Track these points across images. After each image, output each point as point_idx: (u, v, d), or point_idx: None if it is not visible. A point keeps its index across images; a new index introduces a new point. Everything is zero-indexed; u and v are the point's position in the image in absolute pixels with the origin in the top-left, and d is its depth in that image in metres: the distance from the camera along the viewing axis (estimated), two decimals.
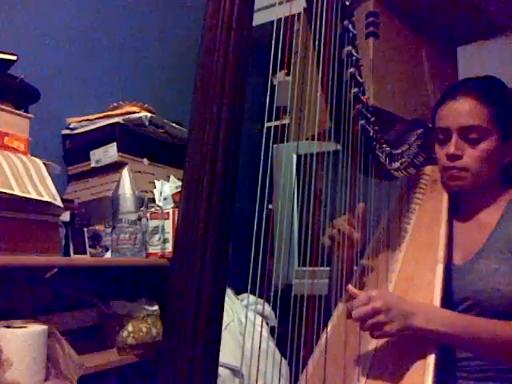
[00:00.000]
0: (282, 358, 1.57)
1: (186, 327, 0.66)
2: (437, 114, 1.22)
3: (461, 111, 1.16)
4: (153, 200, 1.70)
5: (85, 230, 1.47)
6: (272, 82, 1.88)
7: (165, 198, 1.70)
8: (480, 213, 1.21)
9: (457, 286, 1.13)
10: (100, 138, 1.68)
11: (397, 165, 1.24)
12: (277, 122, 1.23)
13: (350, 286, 1.04)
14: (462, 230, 1.23)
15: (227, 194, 0.66)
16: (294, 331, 0.97)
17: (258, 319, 1.68)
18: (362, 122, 1.13)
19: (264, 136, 0.87)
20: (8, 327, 1.15)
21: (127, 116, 1.67)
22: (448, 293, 1.11)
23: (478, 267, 1.12)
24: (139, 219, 1.53)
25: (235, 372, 1.58)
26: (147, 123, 1.69)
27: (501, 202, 1.19)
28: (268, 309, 1.76)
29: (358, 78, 1.08)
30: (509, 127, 1.17)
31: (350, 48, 1.05)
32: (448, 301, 1.10)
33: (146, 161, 1.75)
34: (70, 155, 1.75)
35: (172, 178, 1.79)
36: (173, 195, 1.69)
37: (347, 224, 1.18)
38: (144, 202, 1.58)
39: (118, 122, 1.66)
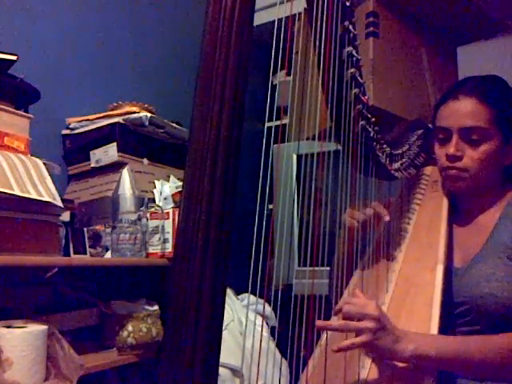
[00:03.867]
0: (283, 358, 1.57)
1: (186, 327, 0.66)
2: (438, 113, 1.21)
3: (462, 112, 1.15)
4: (153, 200, 1.70)
5: (85, 229, 1.47)
6: (272, 81, 1.88)
7: (165, 198, 1.70)
8: (479, 215, 1.20)
9: (455, 288, 1.13)
10: (100, 137, 1.68)
11: (397, 165, 1.24)
12: (277, 122, 1.23)
13: (356, 290, 1.03)
14: (462, 232, 1.22)
15: (228, 193, 0.66)
16: (295, 331, 0.97)
17: (259, 319, 1.68)
18: (363, 122, 1.12)
19: (264, 136, 0.87)
20: (8, 327, 1.15)
21: (127, 116, 1.67)
22: (448, 294, 1.11)
23: (474, 272, 1.11)
24: (139, 219, 1.53)
25: (235, 372, 1.58)
26: (147, 123, 1.69)
27: (500, 204, 1.18)
28: (268, 309, 1.76)
29: (359, 78, 1.08)
30: (510, 128, 1.16)
31: (350, 49, 1.05)
32: (448, 302, 1.09)
33: (145, 161, 1.76)
34: (70, 155, 1.75)
35: (172, 177, 1.79)
36: (173, 195, 1.69)
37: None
38: (144, 202, 1.58)
39: (118, 122, 1.66)
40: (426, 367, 0.97)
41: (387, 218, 1.19)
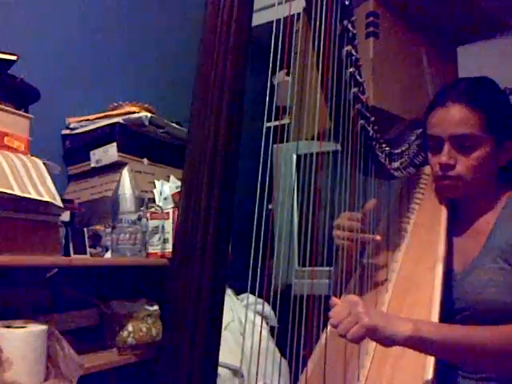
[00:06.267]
0: (282, 358, 1.57)
1: (185, 327, 0.66)
2: (428, 121, 1.18)
3: (452, 119, 1.12)
4: (153, 200, 1.70)
5: (85, 229, 1.47)
6: (272, 81, 1.88)
7: (165, 198, 1.70)
8: (476, 219, 1.19)
9: (455, 294, 1.12)
10: (100, 137, 1.68)
11: (396, 164, 1.24)
12: (277, 122, 1.23)
13: (333, 298, 0.94)
14: (460, 237, 1.21)
15: (227, 192, 0.66)
16: (294, 331, 0.97)
17: (258, 319, 1.68)
18: (362, 121, 1.12)
19: (264, 136, 0.87)
20: (8, 327, 1.15)
21: (127, 116, 1.67)
22: (449, 300, 1.10)
23: (472, 278, 1.10)
24: (139, 219, 1.53)
25: (235, 372, 1.58)
26: (147, 123, 1.69)
27: (496, 207, 1.16)
28: (268, 309, 1.77)
29: (358, 77, 1.08)
30: (502, 131, 1.13)
31: (349, 48, 1.05)
32: (449, 308, 1.09)
33: (146, 161, 1.76)
34: (70, 155, 1.75)
35: (172, 177, 1.79)
36: (173, 195, 1.69)
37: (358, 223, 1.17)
38: (144, 202, 1.58)
39: (118, 122, 1.66)
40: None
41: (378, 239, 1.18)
